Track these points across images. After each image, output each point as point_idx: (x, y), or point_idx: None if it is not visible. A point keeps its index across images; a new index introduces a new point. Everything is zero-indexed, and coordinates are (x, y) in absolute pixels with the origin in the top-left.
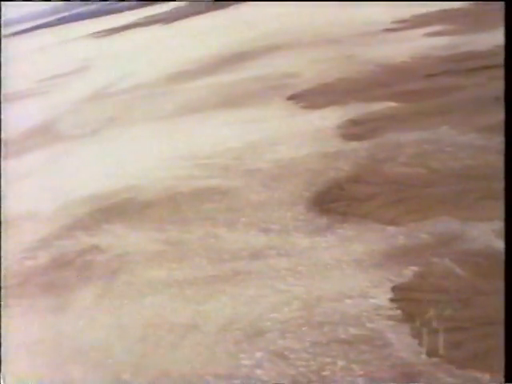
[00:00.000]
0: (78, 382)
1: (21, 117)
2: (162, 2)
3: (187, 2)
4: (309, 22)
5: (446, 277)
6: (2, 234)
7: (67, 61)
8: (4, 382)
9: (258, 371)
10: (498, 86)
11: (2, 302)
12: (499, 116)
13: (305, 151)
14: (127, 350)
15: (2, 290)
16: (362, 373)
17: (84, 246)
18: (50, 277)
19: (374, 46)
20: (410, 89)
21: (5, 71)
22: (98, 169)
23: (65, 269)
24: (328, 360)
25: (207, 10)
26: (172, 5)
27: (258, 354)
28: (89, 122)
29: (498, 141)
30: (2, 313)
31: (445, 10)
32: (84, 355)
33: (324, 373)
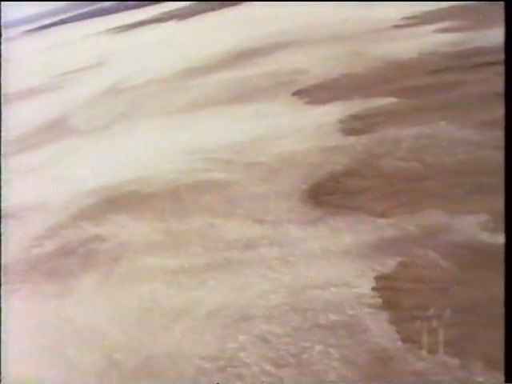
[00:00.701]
0: (72, 360)
1: (36, 112)
2: None
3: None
4: (321, 19)
5: (428, 267)
6: (11, 223)
7: (83, 56)
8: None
9: (242, 353)
10: (501, 82)
11: (9, 287)
12: (498, 112)
13: (305, 145)
14: (121, 332)
15: (10, 276)
16: (338, 357)
17: (88, 235)
18: (54, 264)
19: (382, 43)
20: (414, 85)
21: (21, 67)
22: (107, 162)
23: (68, 257)
24: (307, 344)
25: (221, 6)
26: (186, 2)
27: (243, 338)
28: (101, 117)
29: (494, 136)
30: (9, 296)
31: (454, 7)
32: (81, 337)
33: (302, 356)
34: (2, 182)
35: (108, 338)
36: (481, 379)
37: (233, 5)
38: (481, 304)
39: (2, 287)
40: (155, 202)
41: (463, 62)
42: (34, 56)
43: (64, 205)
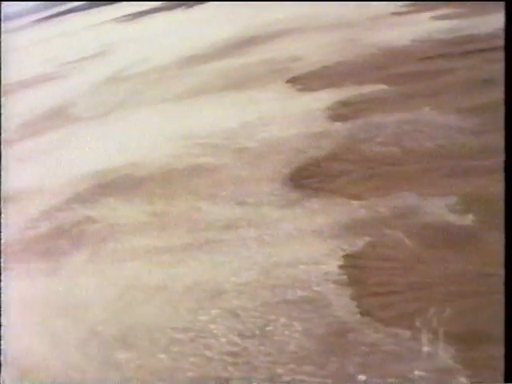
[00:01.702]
0: (58, 332)
1: (39, 100)
2: None
3: None
4: (321, 6)
5: (394, 247)
6: (9, 206)
7: (89, 45)
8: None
9: (211, 325)
10: (490, 69)
11: (4, 265)
12: (483, 98)
13: (292, 131)
14: (104, 307)
15: (4, 256)
16: (300, 329)
17: (80, 217)
18: (47, 244)
19: (379, 30)
20: (404, 71)
21: (28, 56)
22: (103, 148)
23: (61, 237)
24: (273, 317)
25: None
26: None
27: (214, 312)
28: (101, 105)
29: (473, 122)
30: (10, 275)
31: None
32: (66, 311)
33: (267, 328)
34: (3, 168)
35: (91, 312)
36: (427, 349)
37: None
38: (438, 281)
39: None
40: (146, 186)
41: (455, 48)
42: (41, 45)
43: (60, 189)
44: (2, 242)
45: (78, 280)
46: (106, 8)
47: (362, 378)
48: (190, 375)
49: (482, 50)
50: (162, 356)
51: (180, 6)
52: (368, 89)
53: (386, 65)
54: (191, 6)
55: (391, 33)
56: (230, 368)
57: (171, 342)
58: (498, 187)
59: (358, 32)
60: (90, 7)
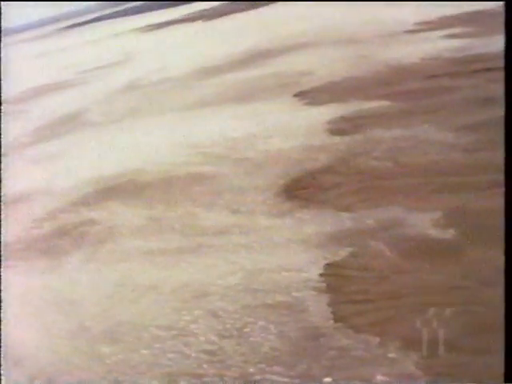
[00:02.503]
0: (50, 325)
1: (56, 105)
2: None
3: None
4: (338, 21)
5: (374, 257)
6: (17, 206)
7: (110, 54)
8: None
9: (193, 325)
10: (493, 88)
11: (7, 263)
12: (481, 116)
13: (292, 143)
14: (95, 303)
15: (9, 253)
16: (275, 332)
17: (83, 219)
18: (49, 243)
19: (390, 47)
20: (409, 89)
21: (51, 63)
22: (111, 154)
23: (63, 237)
24: (251, 320)
25: (250, 7)
26: (218, 2)
27: (197, 312)
28: (114, 112)
29: (468, 139)
30: (11, 272)
31: (470, 13)
32: (60, 306)
33: (245, 329)
34: (17, 169)
35: (83, 308)
36: (393, 355)
37: (261, 6)
38: (411, 291)
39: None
40: (147, 191)
41: (462, 67)
42: (64, 52)
43: (66, 191)
44: (7, 239)
45: (74, 278)
46: (131, 17)
47: (327, 380)
48: (167, 370)
49: (488, 69)
50: (144, 351)
51: (200, 18)
52: (371, 104)
53: (392, 81)
54: (212, 18)
55: (402, 50)
56: (205, 365)
57: (154, 338)
58: (482, 203)
59: (369, 48)
60: (115, 16)
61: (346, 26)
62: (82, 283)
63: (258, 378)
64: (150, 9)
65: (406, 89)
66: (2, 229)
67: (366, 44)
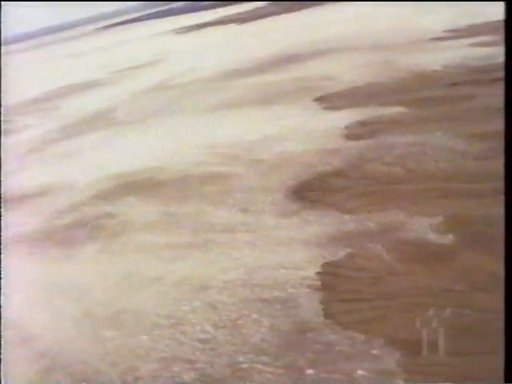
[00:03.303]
0: (58, 310)
1: (88, 103)
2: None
3: (267, 3)
4: (368, 27)
5: (371, 259)
6: (42, 198)
7: (143, 54)
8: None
9: (191, 315)
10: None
11: (26, 251)
12: (495, 125)
13: (307, 147)
14: (103, 292)
15: (29, 242)
16: (267, 325)
17: (101, 212)
18: (67, 234)
19: (414, 54)
20: (427, 96)
21: (87, 62)
22: (133, 151)
23: (80, 229)
24: (246, 312)
25: (284, 11)
26: (253, 5)
27: (196, 303)
28: (140, 111)
29: (479, 147)
30: (30, 259)
31: (499, 21)
32: (70, 293)
33: (238, 321)
34: (44, 164)
35: (90, 295)
36: (376, 352)
37: (295, 10)
38: (404, 293)
39: (21, 251)
40: (164, 189)
41: (482, 76)
42: (99, 52)
43: (88, 186)
44: (28, 229)
45: (86, 267)
46: (168, 19)
47: (310, 371)
48: (163, 355)
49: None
50: (143, 337)
51: (234, 21)
52: (388, 111)
53: (411, 88)
54: (245, 22)
55: (426, 57)
56: (198, 352)
57: (153, 326)
58: (484, 210)
59: (394, 55)
60: (153, 17)
61: (374, 32)
62: (92, 272)
63: (245, 366)
64: (188, 10)
65: (425, 96)
66: (23, 219)
67: (392, 50)
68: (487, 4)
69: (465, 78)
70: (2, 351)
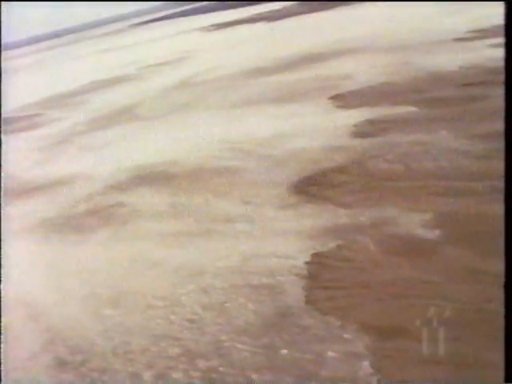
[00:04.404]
0: (65, 288)
1: (114, 98)
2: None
3: (295, 3)
4: (392, 28)
5: (358, 251)
6: (63, 188)
7: (171, 51)
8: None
9: (184, 298)
10: None
11: (44, 236)
12: (502, 126)
13: (315, 144)
14: (108, 274)
15: (47, 227)
16: (252, 308)
17: (113, 201)
18: (81, 221)
19: (434, 55)
20: (440, 96)
21: (117, 58)
22: (151, 145)
23: (93, 216)
24: (234, 297)
25: (312, 10)
26: (282, 4)
27: (190, 287)
28: (163, 107)
29: (482, 147)
30: (45, 243)
31: None
32: (78, 274)
33: (226, 304)
34: (68, 155)
35: (96, 277)
36: (348, 336)
37: (322, 9)
38: (383, 283)
39: (40, 236)
40: (175, 181)
41: (497, 77)
42: (129, 49)
43: (105, 177)
44: (49, 215)
45: (95, 251)
46: (199, 16)
47: (284, 351)
48: (153, 333)
49: None
50: (138, 316)
51: (263, 19)
52: (399, 110)
53: (425, 88)
54: (274, 20)
55: (444, 58)
56: (185, 331)
57: (149, 306)
58: (474, 208)
59: (413, 55)
60: (184, 15)
61: (398, 32)
62: (100, 256)
63: (227, 344)
64: (219, 8)
65: (437, 96)
66: (44, 206)
67: (413, 51)
68: None
69: (480, 78)
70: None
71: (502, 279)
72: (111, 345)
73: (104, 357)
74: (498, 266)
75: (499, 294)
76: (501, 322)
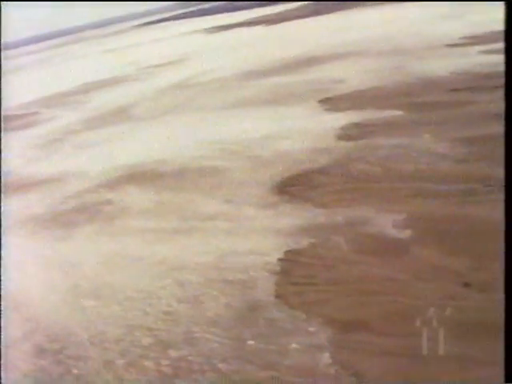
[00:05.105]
0: (52, 279)
1: (110, 98)
2: (276, 3)
3: (297, 5)
4: (389, 32)
5: (330, 249)
6: (53, 185)
7: (171, 52)
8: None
9: (161, 291)
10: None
11: (32, 230)
12: (483, 131)
13: (300, 145)
14: (90, 268)
15: (37, 222)
16: (224, 302)
17: (102, 199)
18: (69, 217)
19: (426, 60)
20: (427, 101)
21: (114, 58)
22: (143, 145)
23: (81, 213)
24: (208, 291)
25: (311, 14)
26: (283, 7)
27: (167, 281)
28: (158, 108)
29: (462, 151)
30: (34, 237)
31: None
32: (64, 266)
33: (200, 298)
34: (64, 152)
35: (80, 270)
36: (312, 329)
37: (322, 13)
38: (351, 280)
39: (27, 231)
40: (163, 179)
41: (486, 82)
42: (130, 49)
43: (96, 175)
44: (38, 212)
45: (81, 246)
46: (200, 18)
47: (250, 342)
48: (129, 323)
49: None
50: (116, 307)
51: (263, 22)
52: (385, 113)
53: (413, 93)
54: (274, 23)
55: (435, 63)
56: (159, 322)
57: (126, 298)
58: (446, 210)
59: (406, 60)
60: (187, 16)
61: (393, 37)
62: (85, 250)
63: (197, 335)
64: (224, 10)
65: (424, 101)
66: (34, 202)
67: (406, 56)
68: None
69: (467, 84)
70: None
71: (464, 277)
72: (88, 334)
73: (81, 345)
74: (462, 264)
75: (461, 291)
76: (460, 316)
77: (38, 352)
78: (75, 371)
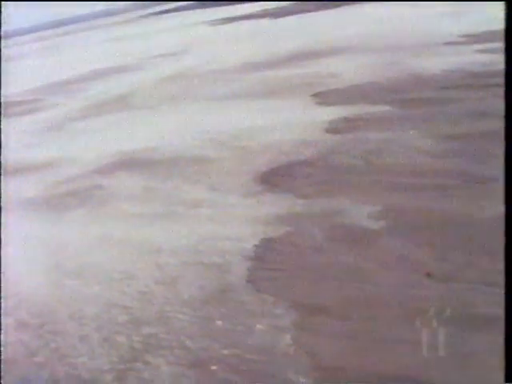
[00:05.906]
0: (42, 262)
1: (110, 87)
2: None
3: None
4: (388, 29)
5: (305, 237)
6: (47, 170)
7: (173, 43)
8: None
9: (139, 272)
10: (494, 103)
11: (26, 214)
12: (468, 128)
13: (288, 137)
14: (75, 248)
15: (30, 206)
16: (198, 284)
17: (94, 184)
18: (60, 201)
19: (421, 57)
20: (417, 97)
21: (118, 47)
22: (138, 133)
23: (73, 197)
24: (184, 273)
25: (316, 9)
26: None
27: (147, 263)
28: (155, 97)
29: (444, 148)
30: (23, 219)
31: None
32: (48, 247)
33: (177, 279)
34: (61, 139)
35: (65, 251)
36: (278, 312)
37: (328, 8)
38: (320, 267)
39: (19, 214)
40: (155, 167)
41: (477, 81)
42: (134, 39)
43: (89, 161)
44: (31, 195)
45: (69, 228)
46: (207, 10)
47: (219, 322)
48: (106, 302)
49: (498, 84)
50: (96, 287)
51: (268, 15)
52: (375, 109)
53: (404, 89)
54: (278, 17)
55: (429, 61)
56: (135, 302)
57: (107, 278)
58: (421, 203)
59: (402, 57)
60: (193, 8)
61: (391, 33)
62: (73, 233)
63: (169, 314)
64: (232, 2)
65: (414, 97)
66: (28, 186)
67: (401, 52)
68: None
69: (458, 82)
70: None
71: (428, 268)
72: (68, 311)
73: (60, 321)
74: (428, 255)
75: (422, 280)
76: (416, 304)
77: (20, 326)
78: (53, 345)
